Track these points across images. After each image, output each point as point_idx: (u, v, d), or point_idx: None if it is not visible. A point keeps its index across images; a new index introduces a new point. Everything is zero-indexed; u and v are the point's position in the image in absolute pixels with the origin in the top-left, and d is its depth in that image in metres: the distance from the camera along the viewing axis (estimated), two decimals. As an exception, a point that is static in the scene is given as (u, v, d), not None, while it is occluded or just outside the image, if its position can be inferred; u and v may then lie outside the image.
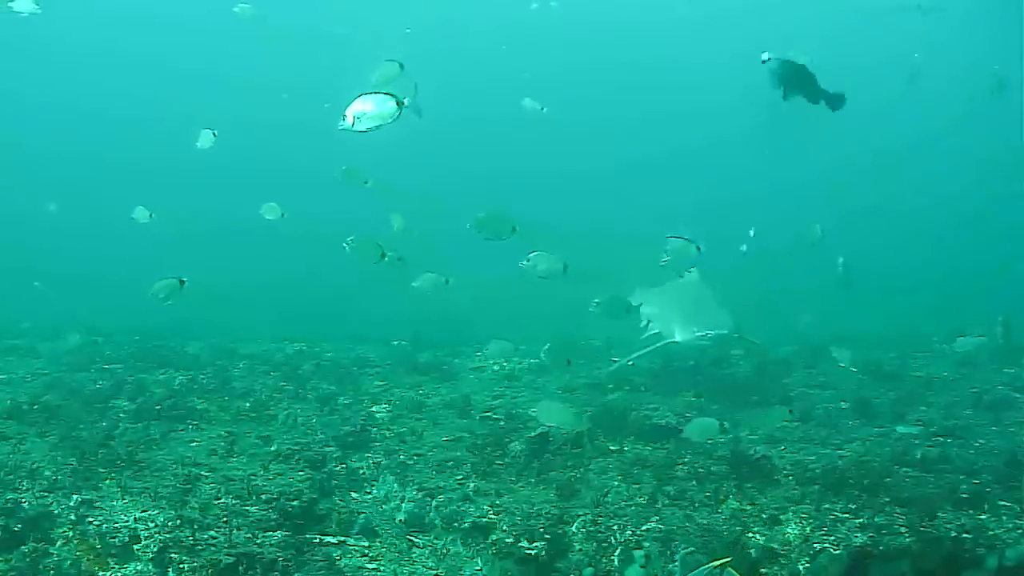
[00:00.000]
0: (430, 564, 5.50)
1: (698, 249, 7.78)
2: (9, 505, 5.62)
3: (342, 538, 5.74)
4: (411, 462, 7.38)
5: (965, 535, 5.50)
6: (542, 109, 12.08)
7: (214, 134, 9.94)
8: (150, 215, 12.66)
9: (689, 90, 41.10)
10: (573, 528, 5.64)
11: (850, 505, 6.09)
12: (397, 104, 6.32)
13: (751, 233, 12.59)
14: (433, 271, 9.69)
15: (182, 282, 8.36)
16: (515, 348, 9.49)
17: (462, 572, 5.38)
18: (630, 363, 9.38)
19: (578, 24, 39.42)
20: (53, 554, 5.15)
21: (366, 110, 6.28)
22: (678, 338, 8.89)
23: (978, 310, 13.66)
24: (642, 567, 4.96)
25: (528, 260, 7.59)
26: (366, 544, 5.70)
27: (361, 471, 7.03)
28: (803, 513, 5.94)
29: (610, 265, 11.28)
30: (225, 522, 5.60)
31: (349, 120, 6.31)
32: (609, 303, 8.49)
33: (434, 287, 9.63)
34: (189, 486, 6.37)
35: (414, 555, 5.62)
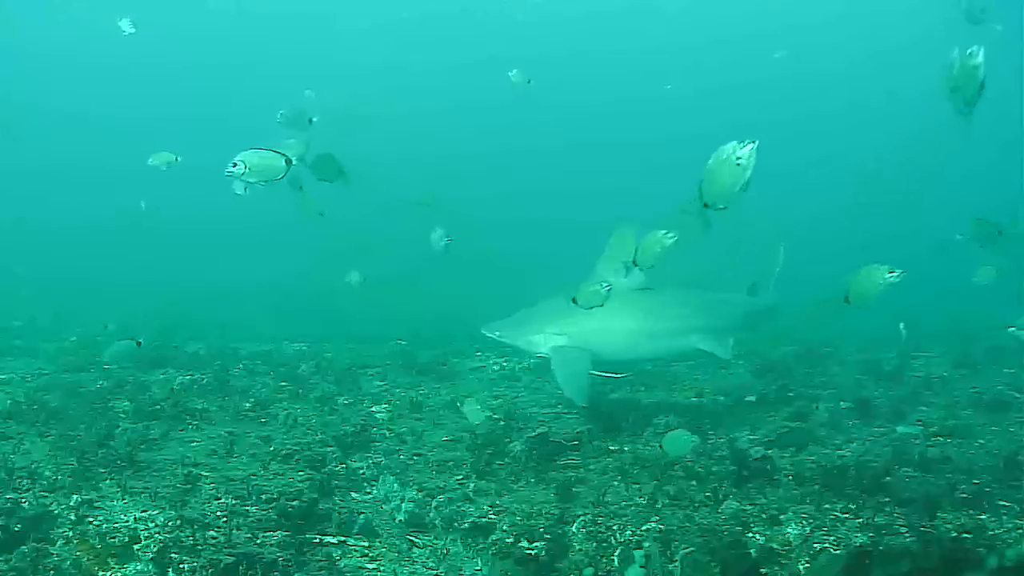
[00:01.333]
0: (430, 564, 5.50)
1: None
2: (9, 505, 5.61)
3: (342, 538, 5.73)
4: (411, 462, 7.39)
5: (965, 535, 5.50)
6: (528, 83, 12.33)
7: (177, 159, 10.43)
8: (143, 206, 13.36)
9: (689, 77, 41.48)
10: (573, 528, 5.64)
11: (850, 505, 6.09)
12: (286, 162, 6.35)
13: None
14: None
15: (139, 343, 8.65)
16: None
17: (462, 572, 5.37)
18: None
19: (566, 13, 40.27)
20: (53, 554, 5.14)
21: (254, 164, 6.28)
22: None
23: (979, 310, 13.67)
24: (642, 567, 4.95)
25: None
26: (366, 544, 5.70)
27: (361, 471, 7.03)
28: (803, 513, 5.95)
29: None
30: (225, 522, 5.60)
31: (237, 168, 6.28)
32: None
33: (360, 284, 9.94)
34: (189, 486, 6.37)
35: (414, 555, 5.61)
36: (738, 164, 4.76)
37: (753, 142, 4.69)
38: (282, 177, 6.40)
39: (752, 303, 9.60)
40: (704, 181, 4.92)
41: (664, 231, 6.16)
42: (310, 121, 8.07)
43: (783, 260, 10.13)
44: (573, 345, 8.13)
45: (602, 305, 7.15)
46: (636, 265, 6.45)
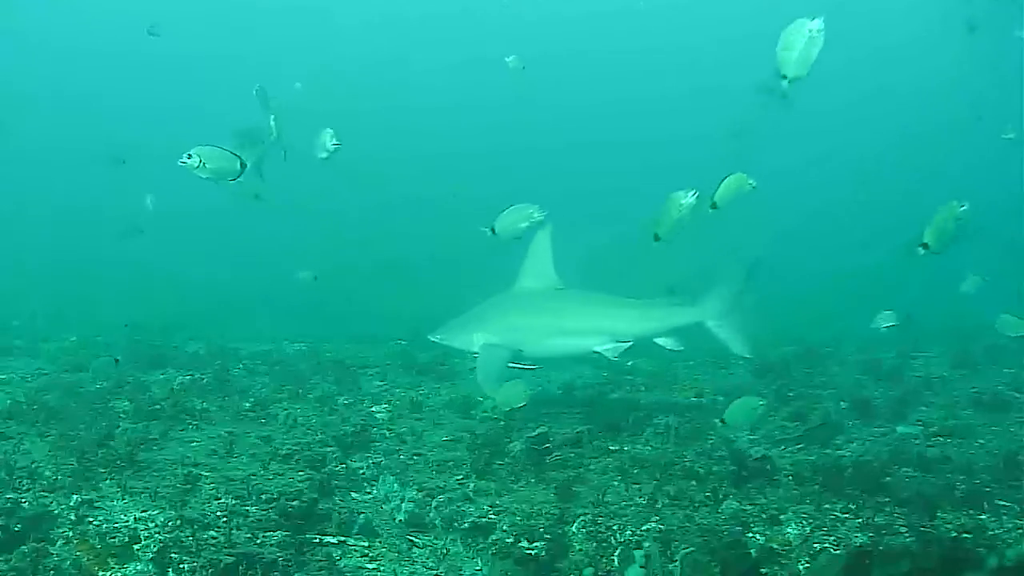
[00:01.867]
0: (430, 564, 5.49)
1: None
2: (9, 505, 5.61)
3: (342, 538, 5.73)
4: (411, 462, 7.39)
5: (965, 535, 5.50)
6: (523, 68, 12.58)
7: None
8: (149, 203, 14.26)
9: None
10: (573, 528, 5.64)
11: (850, 505, 6.10)
12: (240, 166, 6.44)
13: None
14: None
15: (117, 361, 8.82)
16: None
17: (462, 572, 5.37)
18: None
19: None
20: (53, 554, 5.14)
21: (208, 160, 6.35)
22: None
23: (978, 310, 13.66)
24: (642, 567, 4.95)
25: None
26: (366, 544, 5.70)
27: (361, 471, 7.02)
28: (803, 513, 5.95)
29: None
30: (225, 522, 5.60)
31: (191, 161, 6.35)
32: None
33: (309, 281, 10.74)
34: (189, 486, 6.37)
35: (414, 555, 5.61)
36: (811, 35, 4.97)
37: (821, 16, 4.94)
38: (234, 179, 6.50)
39: (666, 309, 8.75)
40: (780, 57, 5.13)
41: (744, 175, 6.28)
42: (269, 106, 8.21)
43: (743, 279, 8.77)
44: (497, 343, 8.62)
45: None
46: (715, 207, 6.37)
